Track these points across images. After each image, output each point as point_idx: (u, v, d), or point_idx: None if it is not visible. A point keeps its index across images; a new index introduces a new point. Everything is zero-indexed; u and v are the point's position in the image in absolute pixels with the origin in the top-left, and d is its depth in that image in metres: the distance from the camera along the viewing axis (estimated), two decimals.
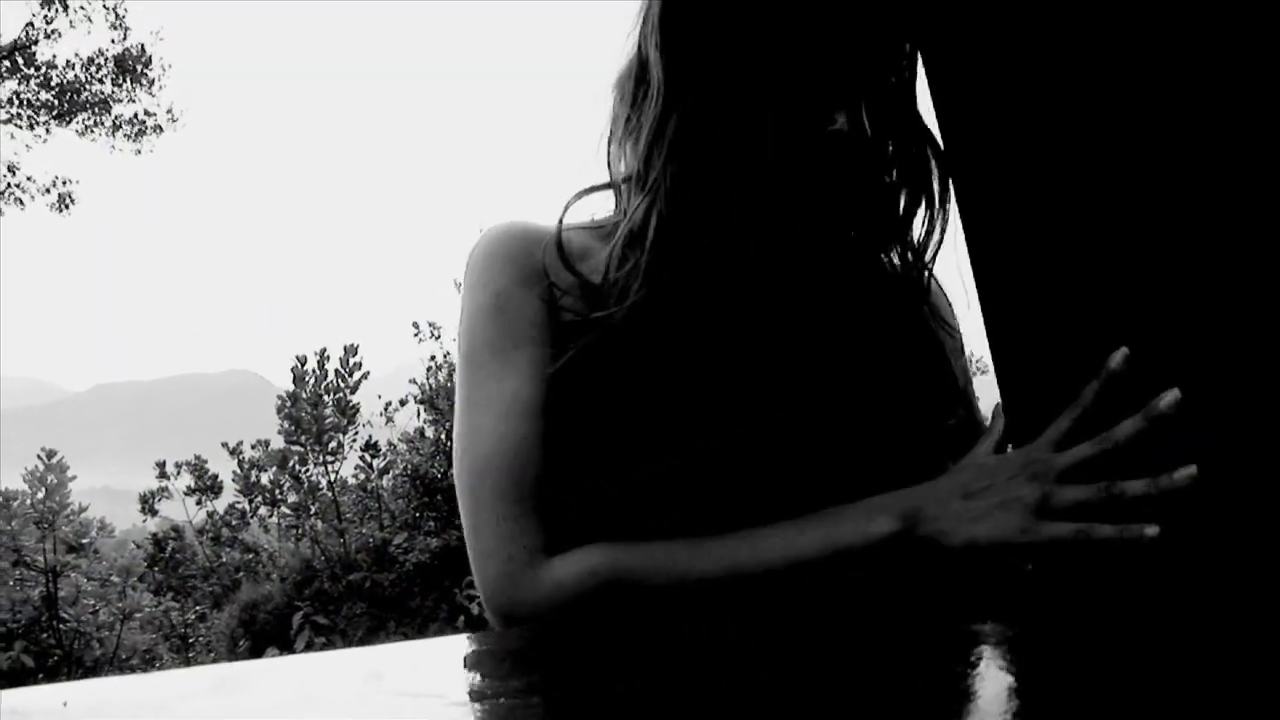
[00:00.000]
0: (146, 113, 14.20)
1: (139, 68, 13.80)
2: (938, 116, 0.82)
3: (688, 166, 0.84)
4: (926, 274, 0.95)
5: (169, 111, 14.35)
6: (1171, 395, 0.65)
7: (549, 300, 0.85)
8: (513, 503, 0.79)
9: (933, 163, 0.92)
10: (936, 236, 0.92)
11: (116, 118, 14.05)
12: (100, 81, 13.86)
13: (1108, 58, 0.71)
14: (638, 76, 0.88)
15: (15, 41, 13.56)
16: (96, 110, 13.91)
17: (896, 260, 0.95)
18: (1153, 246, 0.71)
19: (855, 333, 0.89)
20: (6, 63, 13.60)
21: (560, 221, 0.89)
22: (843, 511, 0.75)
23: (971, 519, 0.70)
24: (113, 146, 14.22)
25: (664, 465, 0.79)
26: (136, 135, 14.19)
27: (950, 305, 1.03)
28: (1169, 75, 0.68)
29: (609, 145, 0.91)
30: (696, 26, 0.84)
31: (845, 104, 0.82)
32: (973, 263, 0.82)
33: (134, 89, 13.96)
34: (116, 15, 13.75)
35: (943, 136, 0.83)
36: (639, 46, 0.89)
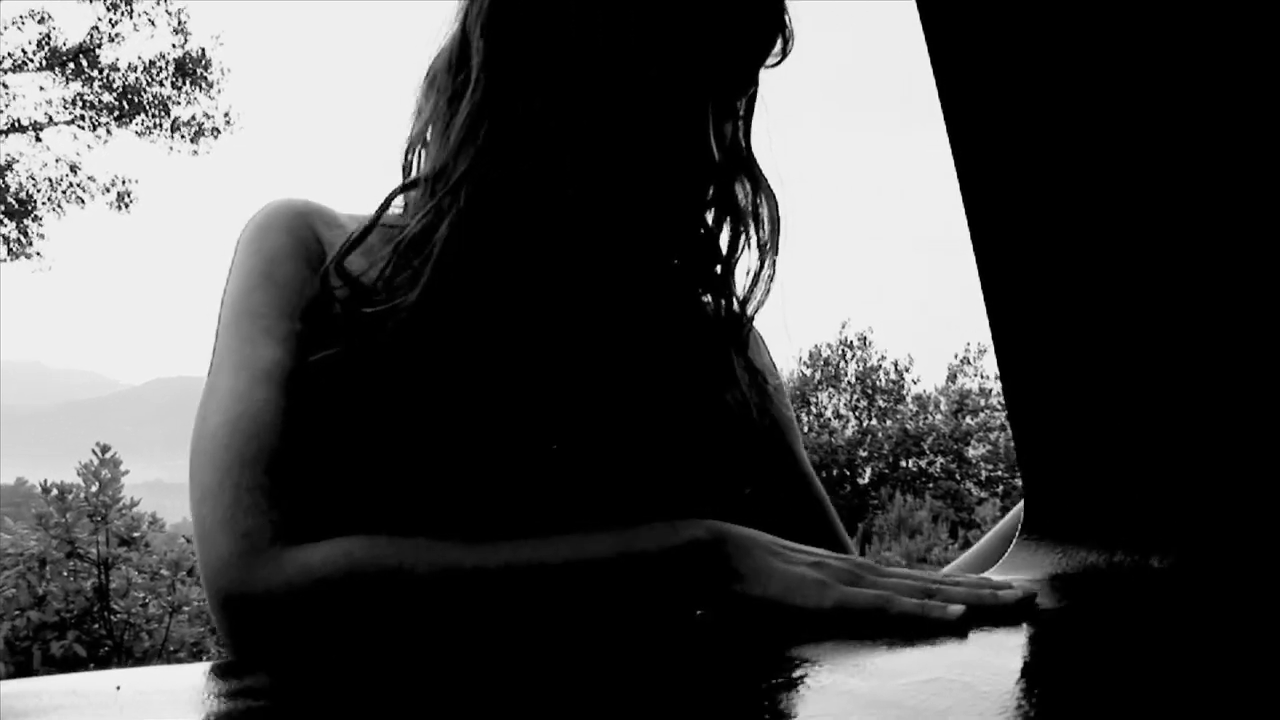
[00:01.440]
0: (205, 115, 14.52)
1: (199, 71, 14.11)
2: (944, 111, 0.81)
3: (494, 171, 0.76)
4: (746, 325, 0.88)
5: (225, 114, 14.67)
6: (1010, 594, 0.62)
7: (323, 284, 0.77)
8: (260, 472, 0.68)
9: (763, 206, 0.87)
10: (763, 286, 0.87)
11: (175, 119, 14.38)
12: (160, 84, 14.19)
13: (1112, 57, 0.71)
14: (456, 67, 0.80)
15: (80, 45, 13.92)
16: (156, 112, 14.24)
17: (721, 303, 0.89)
18: (1155, 246, 0.72)
19: (641, 372, 0.83)
20: (71, 65, 13.97)
21: (381, 213, 0.81)
22: (646, 525, 0.70)
23: (774, 554, 0.67)
24: (171, 147, 14.56)
25: (414, 479, 0.73)
26: (194, 137, 14.51)
27: (767, 349, 0.99)
28: (1172, 75, 0.69)
29: (412, 146, 0.83)
30: (532, 13, 0.77)
31: (682, 124, 0.76)
32: (978, 261, 0.83)
33: (193, 92, 14.28)
34: (179, 20, 14.07)
35: (948, 131, 0.82)
36: (462, 32, 0.81)
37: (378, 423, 0.73)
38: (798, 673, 0.53)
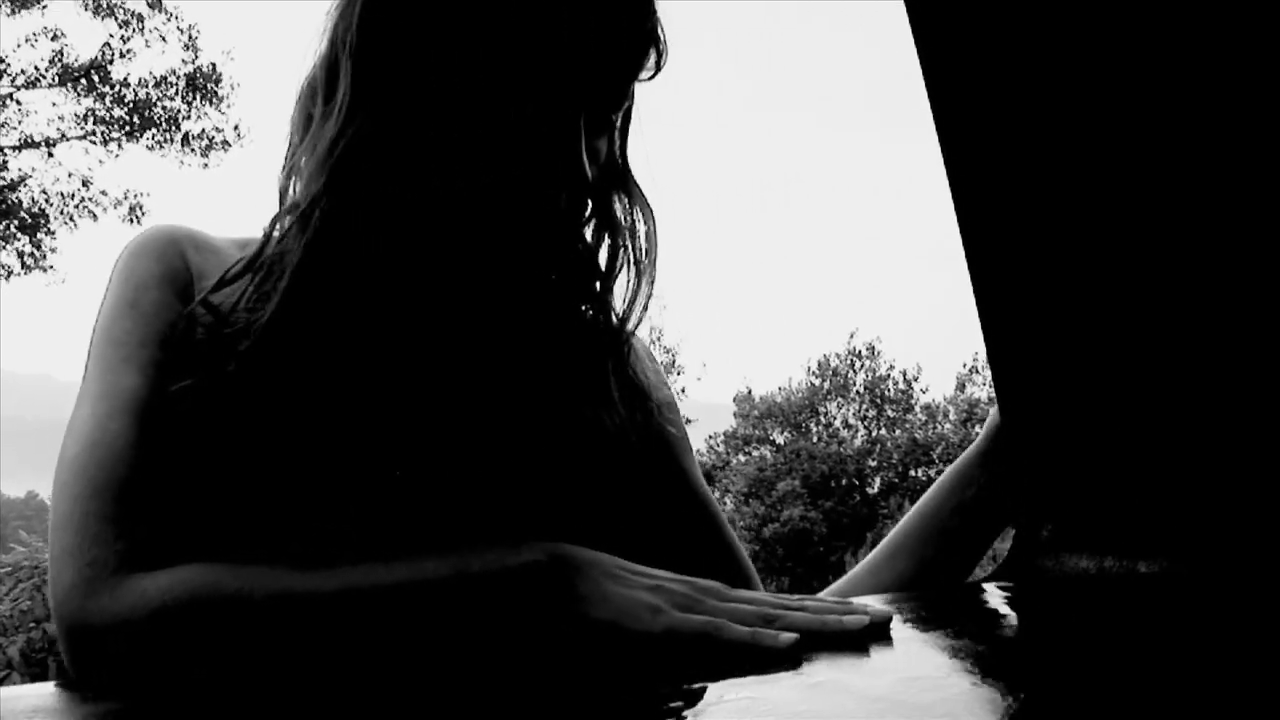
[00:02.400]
0: (215, 129, 14.60)
1: (209, 86, 14.19)
2: (934, 115, 0.82)
3: (353, 195, 0.76)
4: (624, 340, 0.87)
5: (236, 127, 14.74)
6: (855, 620, 0.60)
7: (189, 311, 0.77)
8: (109, 501, 0.68)
9: (640, 221, 0.86)
10: (641, 302, 0.86)
11: (186, 134, 14.45)
12: (171, 99, 14.27)
13: (1105, 58, 0.72)
14: (326, 90, 0.79)
15: (92, 61, 14.01)
16: (167, 127, 14.31)
17: (600, 319, 0.87)
18: (1149, 247, 0.73)
19: (506, 392, 0.82)
20: (83, 81, 14.06)
21: (264, 246, 0.80)
22: (487, 547, 0.69)
23: (612, 578, 0.66)
24: (181, 161, 14.63)
25: (268, 504, 0.73)
26: (205, 150, 14.58)
27: (654, 363, 0.98)
28: (1166, 76, 0.70)
29: (287, 171, 0.81)
30: (401, 32, 0.76)
31: (553, 139, 0.75)
32: (969, 262, 0.84)
33: (204, 106, 14.36)
34: (190, 36, 14.17)
35: (939, 135, 0.82)
36: (330, 52, 0.79)
37: (233, 448, 0.73)
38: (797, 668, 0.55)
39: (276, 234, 0.79)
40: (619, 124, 0.83)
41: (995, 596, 0.81)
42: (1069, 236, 0.80)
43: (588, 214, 0.85)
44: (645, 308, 0.86)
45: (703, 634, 0.59)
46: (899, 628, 0.64)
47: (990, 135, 0.81)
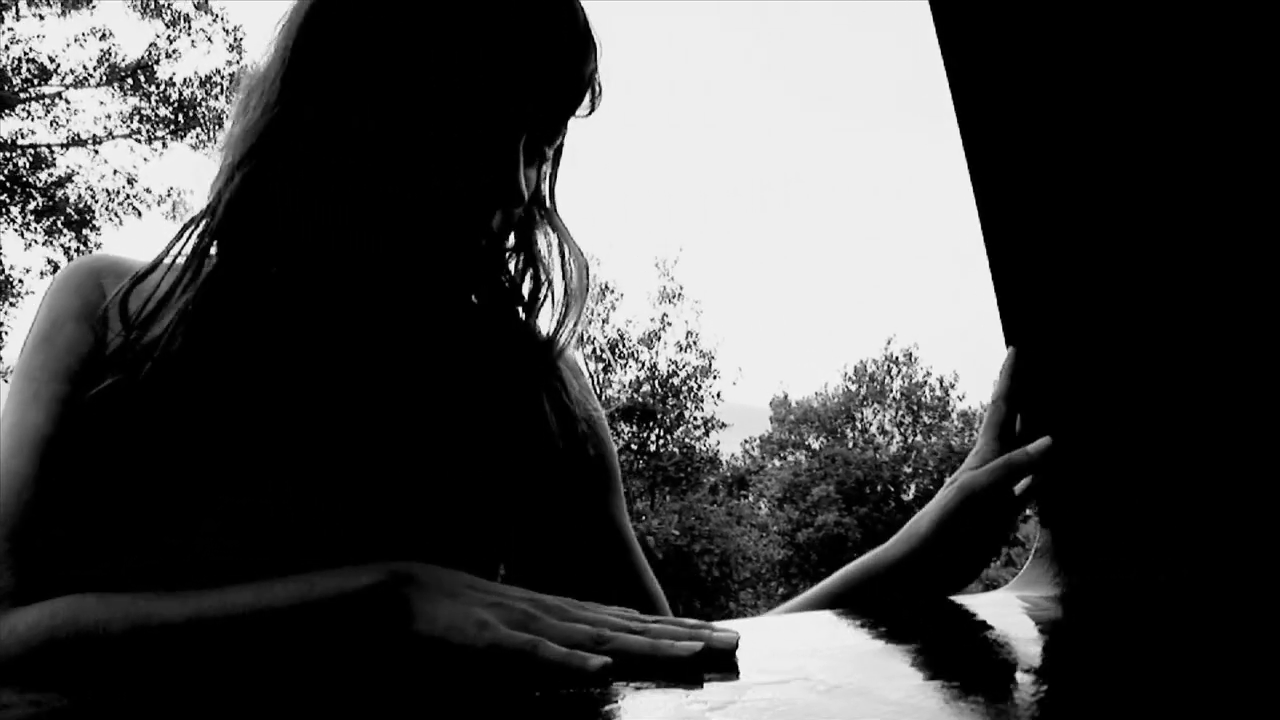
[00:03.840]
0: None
1: None
2: (956, 113, 0.81)
3: (272, 169, 0.77)
4: (549, 365, 0.89)
5: None
6: (686, 647, 0.60)
7: (99, 335, 0.79)
8: (3, 538, 0.73)
9: (567, 256, 0.88)
10: (567, 332, 0.88)
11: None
12: (215, 99, 14.52)
13: (1122, 56, 0.72)
14: (261, 98, 0.80)
15: (139, 60, 14.29)
16: (211, 126, 14.57)
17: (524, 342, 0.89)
18: (1169, 254, 0.72)
19: (425, 409, 0.83)
20: (129, 81, 14.34)
21: (164, 255, 0.81)
22: (336, 569, 0.70)
23: (450, 595, 0.67)
24: None
25: (173, 522, 0.75)
26: None
27: (582, 382, 0.97)
28: (1183, 74, 0.69)
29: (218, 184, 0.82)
30: (337, 55, 0.77)
31: (494, 160, 0.76)
32: (992, 271, 0.84)
33: None
34: (235, 37, 14.41)
35: (960, 130, 0.82)
36: (271, 65, 0.81)
37: (144, 451, 0.75)
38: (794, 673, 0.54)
39: (192, 233, 0.80)
40: (550, 159, 0.85)
41: (1015, 606, 0.80)
42: (1089, 246, 0.79)
43: (510, 244, 0.87)
44: (573, 334, 0.88)
45: (521, 651, 0.61)
46: (921, 633, 0.64)
47: (1012, 138, 0.81)
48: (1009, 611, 0.78)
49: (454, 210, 0.77)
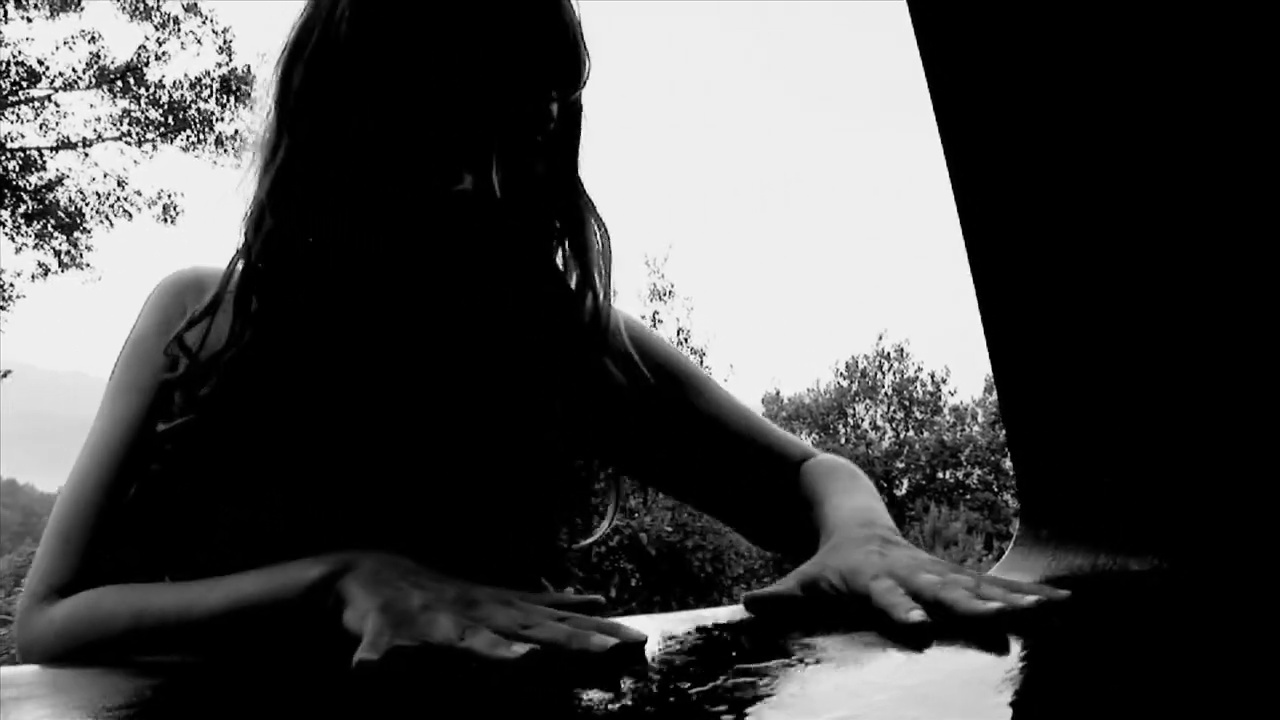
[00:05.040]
0: (249, 130, 14.68)
1: (243, 88, 14.31)
2: (936, 115, 0.83)
3: (291, 218, 0.82)
4: (601, 335, 0.90)
5: None
6: (600, 641, 0.60)
7: (172, 355, 0.84)
8: (62, 540, 0.80)
9: (596, 235, 0.89)
10: (601, 321, 0.89)
11: (219, 135, 14.60)
12: (205, 101, 14.42)
13: (1106, 58, 0.73)
14: (274, 138, 0.86)
15: (128, 63, 14.20)
16: (200, 128, 14.46)
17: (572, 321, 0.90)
18: (1148, 247, 0.73)
19: (481, 413, 0.86)
20: (119, 83, 14.25)
21: (225, 285, 0.85)
22: (297, 561, 0.72)
23: (388, 585, 0.67)
24: (215, 162, 14.79)
25: (240, 518, 0.80)
26: (238, 151, 14.66)
27: (624, 329, 0.98)
28: (1166, 76, 0.70)
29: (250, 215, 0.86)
30: (321, 73, 0.82)
31: (472, 162, 0.78)
32: (971, 263, 0.85)
33: (237, 108, 14.50)
34: (225, 39, 14.32)
35: (940, 133, 0.83)
36: (274, 107, 0.86)
37: (214, 474, 0.81)
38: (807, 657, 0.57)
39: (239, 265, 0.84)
40: (561, 144, 0.85)
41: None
42: (1070, 238, 0.81)
43: (556, 228, 0.89)
44: (606, 327, 0.90)
45: (447, 640, 0.60)
46: (937, 624, 0.64)
47: (992, 135, 0.82)
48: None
49: (450, 209, 0.79)
